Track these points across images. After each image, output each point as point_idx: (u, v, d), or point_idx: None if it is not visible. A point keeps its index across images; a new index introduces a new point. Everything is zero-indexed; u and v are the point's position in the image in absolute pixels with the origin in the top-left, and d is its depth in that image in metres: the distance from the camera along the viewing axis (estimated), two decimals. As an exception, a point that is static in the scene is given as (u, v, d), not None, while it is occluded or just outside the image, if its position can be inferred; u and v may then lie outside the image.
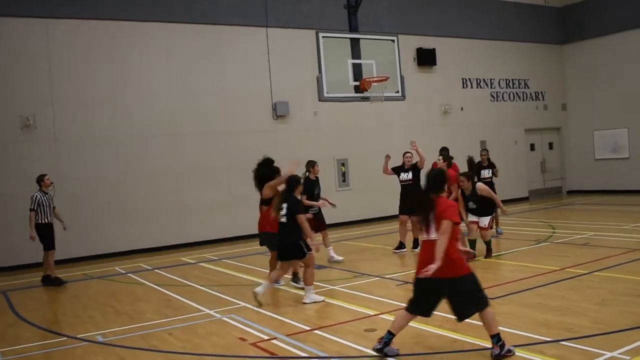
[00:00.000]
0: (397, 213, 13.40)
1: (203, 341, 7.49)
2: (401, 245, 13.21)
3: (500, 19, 23.86)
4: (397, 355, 6.27)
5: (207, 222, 17.41)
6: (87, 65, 16.09)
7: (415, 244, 13.05)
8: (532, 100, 24.90)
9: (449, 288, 6.06)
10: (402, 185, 13.19)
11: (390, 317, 7.91)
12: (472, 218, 11.57)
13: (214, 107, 17.72)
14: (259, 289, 9.10)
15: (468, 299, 6.06)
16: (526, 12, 24.60)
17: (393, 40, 14.09)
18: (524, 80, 24.61)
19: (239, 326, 8.06)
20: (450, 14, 22.53)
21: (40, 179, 12.55)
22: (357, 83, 13.25)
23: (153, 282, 11.99)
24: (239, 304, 9.32)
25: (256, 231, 10.51)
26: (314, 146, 18.72)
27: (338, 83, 13.20)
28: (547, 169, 25.57)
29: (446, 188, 6.69)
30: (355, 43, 13.70)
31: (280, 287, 10.32)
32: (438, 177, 6.31)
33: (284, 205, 9.16)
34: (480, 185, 11.72)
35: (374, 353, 6.33)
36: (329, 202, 12.17)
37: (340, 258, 12.58)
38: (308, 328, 7.73)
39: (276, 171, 9.97)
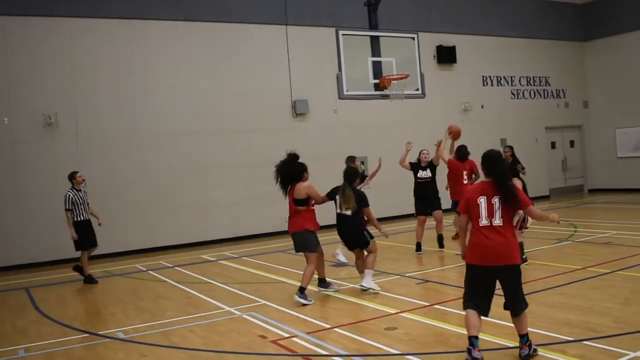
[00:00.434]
0: (414, 212, 13.26)
1: (223, 338, 7.51)
2: (419, 247, 13.14)
3: (521, 16, 23.69)
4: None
5: (227, 219, 17.46)
6: (109, 64, 16.22)
7: (440, 242, 12.97)
8: (553, 98, 24.71)
9: (511, 273, 5.81)
10: (419, 183, 13.01)
11: (411, 316, 7.91)
12: None
13: (234, 105, 17.75)
14: (365, 283, 9.42)
15: (521, 291, 5.90)
16: (547, 9, 24.42)
17: (413, 38, 14.06)
18: (545, 77, 24.43)
19: (259, 323, 8.07)
20: (471, 12, 22.41)
21: (72, 176, 12.36)
22: (377, 81, 13.22)
23: (174, 279, 12.04)
24: (259, 302, 9.34)
25: (278, 229, 10.45)
26: (333, 144, 18.72)
27: (358, 81, 13.18)
28: (568, 167, 25.36)
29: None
30: (375, 41, 13.67)
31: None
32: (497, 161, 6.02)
33: None
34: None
35: (395, 351, 6.31)
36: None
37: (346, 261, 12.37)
38: (328, 326, 7.72)
39: (303, 169, 9.30)
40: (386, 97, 13.71)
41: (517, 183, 5.78)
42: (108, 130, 16.09)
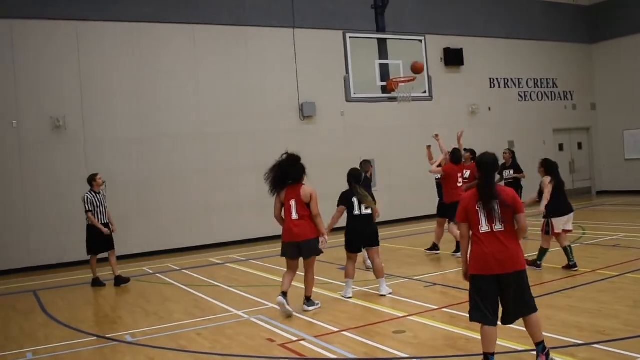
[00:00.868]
0: (430, 213, 13.24)
1: (231, 342, 7.51)
2: (435, 247, 13.10)
3: (528, 18, 23.64)
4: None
5: (234, 222, 17.46)
6: (116, 66, 16.24)
7: (458, 247, 12.91)
8: (561, 100, 24.64)
9: (515, 281, 5.57)
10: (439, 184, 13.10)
11: (419, 319, 7.89)
12: None
13: (241, 108, 17.76)
14: (384, 292, 9.47)
15: (527, 295, 5.67)
16: (554, 11, 24.37)
17: (420, 41, 14.00)
18: (552, 79, 24.36)
19: (267, 327, 8.06)
20: (478, 14, 22.38)
21: (92, 179, 12.19)
22: (384, 83, 13.18)
23: (181, 282, 12.05)
24: (267, 305, 9.33)
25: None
26: (340, 147, 18.73)
27: (365, 83, 13.13)
28: (576, 169, 25.26)
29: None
30: (382, 43, 13.63)
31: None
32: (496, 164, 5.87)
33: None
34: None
35: (403, 355, 6.28)
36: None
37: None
38: (336, 329, 7.71)
39: (305, 170, 8.91)
40: (393, 99, 13.67)
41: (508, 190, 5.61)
42: (116, 133, 16.11)
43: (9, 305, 11.04)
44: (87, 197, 12.01)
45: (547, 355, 5.73)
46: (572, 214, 10.41)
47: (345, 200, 9.49)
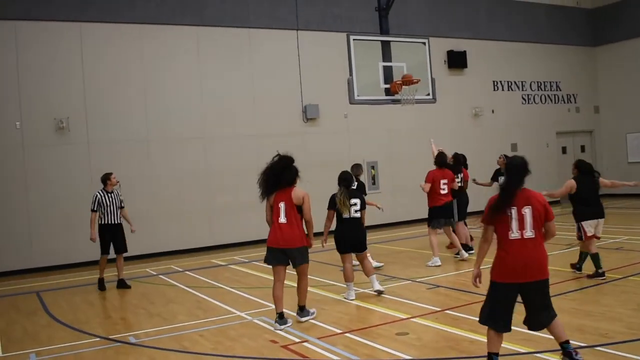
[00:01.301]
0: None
1: (234, 343, 7.51)
2: (466, 248, 12.91)
3: (532, 21, 23.62)
4: None
5: (237, 224, 17.46)
6: (120, 68, 16.27)
7: (466, 249, 12.85)
8: (564, 102, 24.62)
9: (539, 288, 5.51)
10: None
11: (422, 321, 7.89)
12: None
13: (244, 110, 17.78)
14: (377, 287, 9.58)
15: (548, 303, 5.64)
16: (558, 14, 24.35)
17: (424, 43, 13.99)
18: (556, 82, 24.35)
19: (270, 328, 8.06)
20: (481, 17, 22.39)
21: (106, 177, 11.93)
22: (387, 86, 13.17)
23: (184, 283, 12.06)
24: (270, 306, 9.30)
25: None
26: (344, 149, 18.73)
27: (368, 86, 13.13)
28: (579, 172, 25.18)
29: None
30: (385, 45, 13.63)
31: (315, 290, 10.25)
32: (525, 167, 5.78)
33: (357, 201, 9.54)
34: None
35: (406, 356, 6.28)
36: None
37: (380, 264, 12.24)
38: (339, 331, 7.71)
39: (298, 173, 8.46)
40: (397, 102, 13.68)
41: (539, 196, 5.46)
42: (119, 135, 16.13)
43: (12, 306, 11.05)
44: (97, 195, 11.81)
45: (573, 354, 5.68)
46: (601, 220, 10.07)
47: (334, 204, 9.54)
